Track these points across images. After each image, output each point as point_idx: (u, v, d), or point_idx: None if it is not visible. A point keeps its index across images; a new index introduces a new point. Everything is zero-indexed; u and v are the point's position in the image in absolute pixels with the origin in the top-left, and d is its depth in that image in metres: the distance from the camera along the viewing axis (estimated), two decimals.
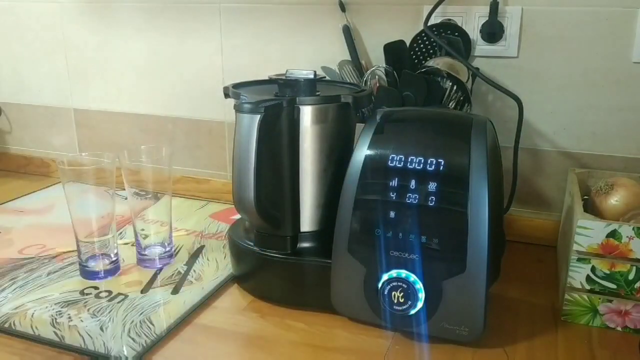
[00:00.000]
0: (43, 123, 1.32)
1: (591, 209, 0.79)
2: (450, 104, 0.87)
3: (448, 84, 0.87)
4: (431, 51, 0.92)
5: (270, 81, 0.82)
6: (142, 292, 0.80)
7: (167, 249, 0.88)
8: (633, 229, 0.68)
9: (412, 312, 0.66)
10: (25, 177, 1.32)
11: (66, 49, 1.24)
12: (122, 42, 1.19)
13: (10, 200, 1.16)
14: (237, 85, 0.80)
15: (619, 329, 0.72)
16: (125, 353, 0.66)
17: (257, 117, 0.67)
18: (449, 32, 0.91)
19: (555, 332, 0.72)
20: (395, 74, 0.90)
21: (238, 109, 0.68)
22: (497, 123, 0.78)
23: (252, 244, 0.78)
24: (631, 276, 0.69)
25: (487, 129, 0.69)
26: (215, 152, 1.17)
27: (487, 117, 0.72)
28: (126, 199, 0.85)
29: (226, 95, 0.78)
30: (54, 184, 1.25)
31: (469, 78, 0.88)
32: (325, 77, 0.94)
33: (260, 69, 1.07)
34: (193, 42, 1.12)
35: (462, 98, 0.87)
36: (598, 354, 0.68)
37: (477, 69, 0.91)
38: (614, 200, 0.78)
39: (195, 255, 0.92)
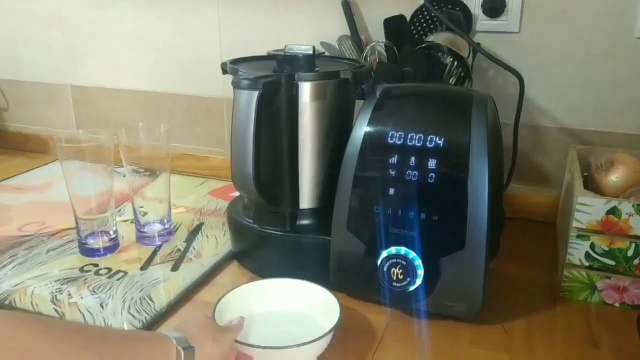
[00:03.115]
0: (40, 100, 1.31)
1: (591, 185, 0.79)
2: (450, 80, 0.86)
3: (448, 59, 0.86)
4: (432, 26, 0.91)
5: (268, 57, 0.81)
6: (141, 269, 0.80)
7: (166, 226, 0.88)
8: (633, 205, 0.68)
9: (411, 288, 0.66)
10: (23, 155, 1.31)
11: (62, 24, 1.22)
12: (118, 17, 1.17)
13: (8, 178, 1.15)
14: (235, 61, 0.79)
15: (616, 305, 0.72)
16: (126, 329, 0.67)
17: (256, 94, 0.66)
18: (449, 6, 0.90)
19: (554, 308, 0.72)
20: (395, 50, 0.89)
21: (236, 85, 0.68)
22: (498, 99, 0.77)
23: (251, 221, 0.78)
24: (630, 253, 0.69)
25: (488, 105, 0.68)
26: (214, 129, 1.16)
27: (488, 93, 0.71)
28: (124, 176, 0.85)
29: (224, 71, 0.77)
30: (53, 161, 1.24)
31: (469, 54, 0.87)
32: (324, 52, 0.93)
33: (258, 45, 1.06)
34: (191, 18, 1.11)
35: (462, 74, 0.87)
36: (596, 329, 0.68)
37: (478, 44, 0.90)
38: (614, 177, 0.77)
39: (194, 232, 0.92)
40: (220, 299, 0.66)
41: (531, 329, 0.68)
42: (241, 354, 0.59)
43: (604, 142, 0.91)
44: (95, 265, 0.81)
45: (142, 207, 0.86)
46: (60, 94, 1.28)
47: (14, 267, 0.80)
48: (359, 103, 0.74)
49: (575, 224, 0.70)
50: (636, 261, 0.70)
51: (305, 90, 0.72)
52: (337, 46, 0.95)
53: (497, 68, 0.90)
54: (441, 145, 0.66)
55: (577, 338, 0.66)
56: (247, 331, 0.63)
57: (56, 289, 0.75)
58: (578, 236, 0.71)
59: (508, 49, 0.92)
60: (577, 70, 0.90)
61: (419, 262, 0.66)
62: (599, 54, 0.88)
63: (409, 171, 0.66)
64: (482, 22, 0.92)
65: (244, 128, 0.68)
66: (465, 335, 0.67)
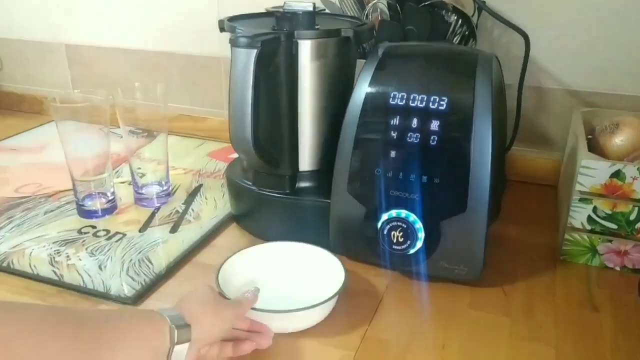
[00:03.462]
0: (34, 59, 1.28)
1: (595, 148, 0.78)
2: (454, 39, 0.84)
3: (453, 18, 0.83)
4: None
5: (267, 14, 0.79)
6: (140, 231, 0.80)
7: (165, 187, 0.88)
8: (638, 169, 0.67)
9: (411, 251, 0.66)
10: (18, 115, 1.29)
11: None
12: None
13: (4, 139, 1.14)
14: (233, 19, 0.76)
15: (617, 268, 0.72)
16: (126, 292, 0.67)
17: (254, 52, 0.64)
18: None
19: (554, 271, 0.72)
20: (398, 7, 0.87)
21: (234, 43, 0.66)
22: (502, 59, 0.75)
23: (250, 183, 0.77)
24: (632, 217, 0.69)
25: (493, 65, 0.66)
26: (211, 89, 1.14)
27: (492, 53, 0.70)
28: (122, 137, 0.84)
29: (221, 29, 0.75)
30: (49, 122, 1.22)
31: (474, 12, 0.84)
32: (324, 9, 0.90)
33: (257, 1, 1.03)
34: None
35: (467, 33, 0.84)
36: (596, 292, 0.68)
37: (484, 2, 0.87)
38: (619, 140, 0.76)
39: (193, 194, 0.91)
40: (223, 262, 0.66)
41: (531, 292, 0.68)
42: (255, 322, 0.58)
43: (610, 105, 0.89)
44: (93, 227, 0.80)
45: (139, 168, 0.85)
46: (55, 53, 1.25)
47: (12, 228, 0.80)
48: (360, 63, 0.73)
49: (578, 187, 0.70)
50: (638, 225, 0.69)
51: (305, 49, 0.70)
52: (337, 3, 0.92)
53: (502, 27, 0.87)
54: (444, 106, 0.64)
55: (577, 301, 0.66)
56: None
57: (54, 250, 0.74)
58: (581, 199, 0.70)
59: (514, 7, 0.89)
60: (584, 30, 0.88)
61: (419, 225, 0.65)
62: (607, 14, 0.86)
63: (411, 133, 0.65)
64: None
65: (242, 88, 0.66)
66: (465, 298, 0.67)
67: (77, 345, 0.42)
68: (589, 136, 0.80)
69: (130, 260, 0.73)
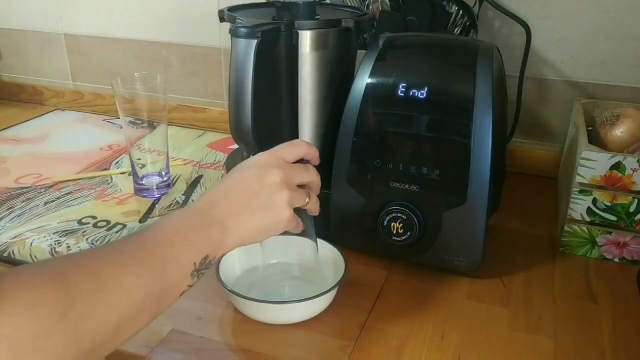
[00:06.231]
0: (33, 49, 1.28)
1: (595, 140, 0.78)
2: (455, 30, 0.84)
3: (454, 8, 0.83)
4: None
5: (268, 4, 0.79)
6: (140, 221, 0.80)
7: (165, 178, 0.88)
8: (637, 160, 0.67)
9: (411, 242, 0.66)
10: (18, 105, 1.29)
11: None
12: None
13: (4, 129, 1.14)
14: (233, 9, 0.76)
15: (616, 260, 0.72)
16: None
17: (254, 42, 0.64)
18: None
19: (553, 262, 0.72)
20: None
21: (234, 33, 0.65)
22: (503, 50, 0.75)
23: None
24: (632, 208, 0.69)
25: (494, 56, 0.66)
26: (211, 79, 1.14)
27: (493, 44, 0.69)
28: (121, 127, 0.83)
29: (221, 19, 0.74)
30: (48, 112, 1.22)
31: (475, 2, 0.84)
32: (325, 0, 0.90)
33: None
34: None
35: (468, 23, 0.84)
36: (594, 284, 0.68)
37: None
38: (619, 132, 0.76)
39: (193, 185, 0.91)
40: (222, 255, 0.65)
41: (530, 283, 0.68)
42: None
43: (611, 96, 0.89)
44: (94, 217, 0.81)
45: (139, 159, 0.85)
46: (54, 43, 1.25)
47: (12, 219, 0.80)
48: (360, 53, 0.72)
49: (578, 179, 0.70)
50: (638, 217, 0.69)
51: (306, 40, 0.69)
52: None
53: (503, 17, 0.87)
54: (445, 97, 0.64)
55: (576, 293, 0.67)
56: (251, 286, 0.63)
57: (55, 241, 0.75)
58: (580, 191, 0.70)
59: None
60: (586, 21, 0.87)
61: (419, 216, 0.65)
62: (609, 3, 0.85)
63: (411, 124, 0.65)
64: None
65: (242, 78, 0.66)
66: (464, 289, 0.67)
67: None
68: (589, 128, 0.80)
69: None
